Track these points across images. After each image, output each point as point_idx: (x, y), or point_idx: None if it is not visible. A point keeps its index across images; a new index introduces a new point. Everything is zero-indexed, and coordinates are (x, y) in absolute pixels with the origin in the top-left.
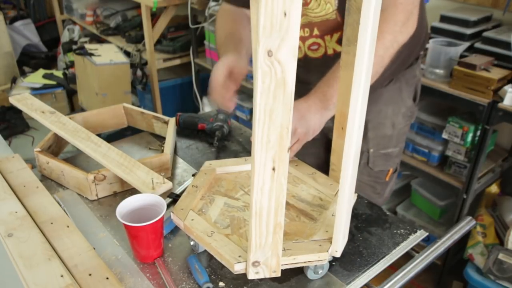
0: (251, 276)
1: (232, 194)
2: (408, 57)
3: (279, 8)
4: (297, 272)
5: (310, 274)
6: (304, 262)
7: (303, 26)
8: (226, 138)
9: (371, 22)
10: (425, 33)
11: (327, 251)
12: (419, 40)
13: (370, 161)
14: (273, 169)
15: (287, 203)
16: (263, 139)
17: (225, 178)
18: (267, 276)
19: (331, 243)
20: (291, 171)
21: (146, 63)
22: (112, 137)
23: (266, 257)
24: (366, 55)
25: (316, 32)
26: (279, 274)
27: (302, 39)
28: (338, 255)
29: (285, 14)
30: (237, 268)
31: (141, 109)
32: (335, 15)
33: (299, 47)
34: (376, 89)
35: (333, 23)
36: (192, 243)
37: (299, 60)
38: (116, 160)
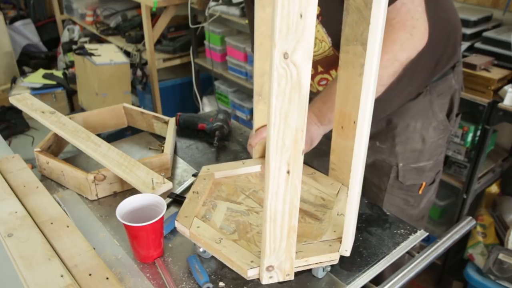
0: (265, 281)
1: (234, 199)
2: (435, 66)
3: (295, 10)
4: (297, 272)
5: (320, 273)
6: (316, 263)
7: None
8: (226, 138)
9: (382, 20)
10: (453, 38)
11: (338, 251)
12: (446, 48)
13: (400, 175)
14: (288, 172)
15: None
16: (278, 142)
17: (225, 183)
18: (281, 280)
19: (340, 242)
20: None
21: (146, 63)
22: (112, 137)
23: (280, 261)
24: (376, 52)
25: (320, 69)
26: (292, 277)
27: (311, 77)
28: (347, 254)
29: (301, 16)
30: (251, 274)
31: (141, 109)
32: (332, 51)
33: (311, 84)
34: (403, 103)
35: (333, 58)
36: (201, 249)
37: (314, 94)
38: (116, 160)
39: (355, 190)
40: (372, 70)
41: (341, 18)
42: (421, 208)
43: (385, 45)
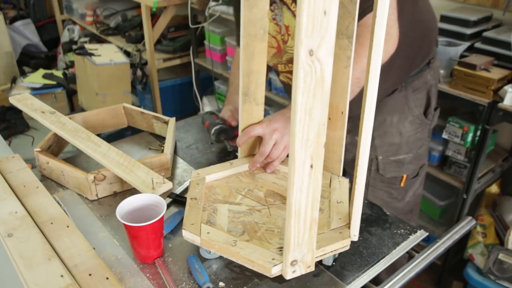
0: (289, 276)
1: (232, 200)
2: (411, 64)
3: (320, 7)
4: None
5: (330, 261)
6: (331, 251)
7: (287, 62)
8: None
9: (387, 6)
10: (428, 38)
11: (349, 237)
12: (421, 47)
13: (380, 167)
14: (311, 166)
15: None
16: (303, 138)
17: (218, 185)
18: (303, 273)
19: (349, 228)
20: (279, 168)
21: (146, 63)
22: (112, 137)
23: (302, 254)
24: (380, 45)
25: None
26: (313, 269)
27: (291, 72)
28: (356, 238)
29: (325, 13)
30: (274, 271)
31: (141, 109)
32: None
33: (288, 77)
34: (379, 100)
35: None
36: (209, 252)
37: (290, 87)
38: (116, 160)
39: (362, 177)
40: (376, 63)
41: None
42: (406, 201)
43: (363, 49)
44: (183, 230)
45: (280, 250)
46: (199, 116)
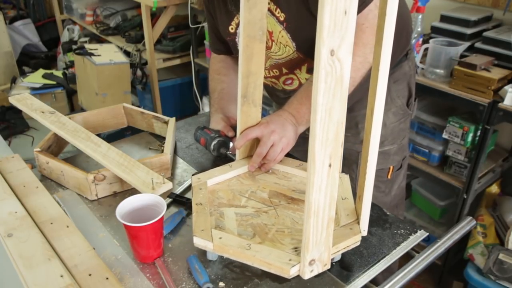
0: (307, 276)
1: (236, 203)
2: (391, 57)
3: (341, 7)
4: None
5: (339, 257)
6: (344, 248)
7: (271, 68)
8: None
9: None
10: (406, 31)
11: (360, 232)
12: (400, 40)
13: None
14: (330, 165)
15: (295, 199)
16: (323, 137)
17: (220, 189)
18: (320, 271)
19: (358, 224)
20: (278, 168)
21: (146, 63)
22: (112, 137)
23: (320, 253)
24: (389, 45)
25: (285, 70)
26: (329, 267)
27: (276, 77)
28: (365, 233)
29: (345, 13)
30: (292, 272)
31: (141, 109)
32: (296, 54)
33: (276, 83)
34: (363, 95)
35: (297, 60)
36: (212, 254)
37: (280, 91)
38: (116, 160)
39: (371, 172)
40: (386, 57)
41: (304, 24)
42: (393, 195)
43: (357, 49)
44: (194, 237)
45: (295, 250)
46: (199, 116)
